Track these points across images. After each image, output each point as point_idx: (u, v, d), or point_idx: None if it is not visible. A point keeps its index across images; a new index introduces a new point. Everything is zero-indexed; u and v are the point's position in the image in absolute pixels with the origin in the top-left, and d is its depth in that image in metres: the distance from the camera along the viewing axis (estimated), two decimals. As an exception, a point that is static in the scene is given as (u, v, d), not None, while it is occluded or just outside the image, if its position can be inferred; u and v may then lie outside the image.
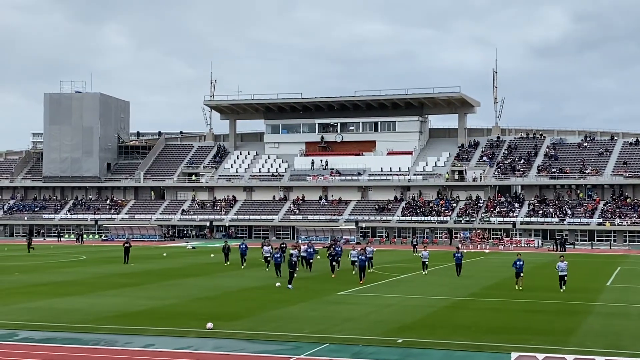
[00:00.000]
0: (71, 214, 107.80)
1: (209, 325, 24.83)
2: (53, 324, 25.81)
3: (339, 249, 47.66)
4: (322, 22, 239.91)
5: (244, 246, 51.40)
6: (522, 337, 23.54)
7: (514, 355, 17.04)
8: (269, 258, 47.26)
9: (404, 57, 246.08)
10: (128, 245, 55.47)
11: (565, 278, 36.46)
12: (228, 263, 52.07)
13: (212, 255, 64.03)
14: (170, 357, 20.92)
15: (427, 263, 45.98)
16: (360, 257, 40.72)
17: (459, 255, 44.52)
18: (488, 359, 20.51)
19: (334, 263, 44.42)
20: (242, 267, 49.37)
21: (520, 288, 36.40)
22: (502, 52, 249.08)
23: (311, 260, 47.11)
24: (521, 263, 37.36)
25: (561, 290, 35.50)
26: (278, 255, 43.10)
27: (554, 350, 20.72)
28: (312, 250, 47.78)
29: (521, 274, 37.21)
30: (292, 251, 40.07)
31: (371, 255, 46.45)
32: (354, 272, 43.69)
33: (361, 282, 39.13)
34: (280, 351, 21.58)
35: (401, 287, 38.95)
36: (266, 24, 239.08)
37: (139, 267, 51.50)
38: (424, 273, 45.20)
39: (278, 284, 37.67)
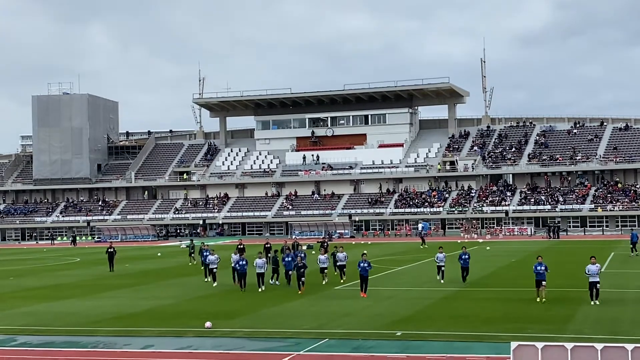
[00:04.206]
0: (63, 216, 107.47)
1: (208, 324, 24.79)
2: (51, 328, 25.73)
3: (303, 254, 37.34)
4: (306, 17, 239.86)
5: (207, 254, 39.70)
6: (520, 326, 23.62)
7: (514, 344, 17.05)
8: (215, 269, 37.86)
9: (391, 50, 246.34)
10: (112, 250, 48.18)
11: (598, 286, 28.11)
12: (194, 263, 48.70)
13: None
14: (170, 357, 20.91)
15: (443, 269, 36.50)
16: (361, 264, 31.92)
17: (466, 256, 35.72)
18: (487, 349, 20.56)
19: (303, 278, 33.82)
20: (206, 280, 39.14)
21: (544, 299, 28.65)
22: (487, 41, 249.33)
23: (290, 272, 36.07)
24: (543, 268, 29.04)
25: (592, 303, 27.74)
26: (244, 262, 35.21)
27: (553, 338, 20.79)
28: (291, 259, 36.50)
29: (543, 283, 28.96)
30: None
31: (344, 263, 37.88)
32: (324, 282, 36.47)
33: (364, 295, 31.56)
34: (280, 348, 21.57)
35: (398, 279, 38.97)
36: (251, 20, 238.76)
37: (134, 267, 51.40)
38: (440, 281, 36.12)
39: (271, 281, 37.23)
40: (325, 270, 37.11)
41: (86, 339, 23.66)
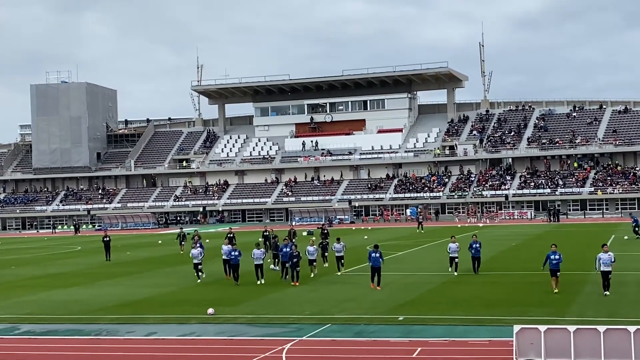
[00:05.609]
0: (63, 205, 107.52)
1: (210, 311, 24.84)
2: (54, 316, 25.81)
3: (288, 247, 32.98)
4: (304, 3, 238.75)
5: (200, 247, 35.25)
6: (522, 310, 23.68)
7: (516, 328, 17.11)
8: (199, 265, 34.15)
9: (388, 36, 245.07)
10: (108, 238, 47.00)
11: (610, 276, 25.99)
12: (182, 252, 48.68)
13: (207, 240, 63.98)
14: (173, 344, 20.93)
15: (457, 260, 33.33)
16: (372, 254, 29.47)
17: (478, 245, 33.18)
18: (490, 333, 20.60)
19: (297, 268, 31.85)
20: (199, 280, 33.97)
21: (556, 291, 26.77)
22: (486, 25, 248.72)
23: (288, 265, 32.73)
24: (558, 257, 27.02)
25: (605, 294, 25.83)
26: (236, 253, 32.39)
27: (555, 321, 20.85)
28: (289, 248, 33.06)
29: (557, 273, 27.05)
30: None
31: (341, 254, 35.23)
32: (312, 275, 33.78)
33: (378, 287, 29.35)
34: (282, 334, 21.62)
35: (398, 264, 39.01)
36: (248, 7, 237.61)
37: (135, 255, 51.46)
38: (454, 274, 33.11)
39: (272, 266, 37.10)
40: (314, 263, 34.54)
41: (89, 327, 23.71)
